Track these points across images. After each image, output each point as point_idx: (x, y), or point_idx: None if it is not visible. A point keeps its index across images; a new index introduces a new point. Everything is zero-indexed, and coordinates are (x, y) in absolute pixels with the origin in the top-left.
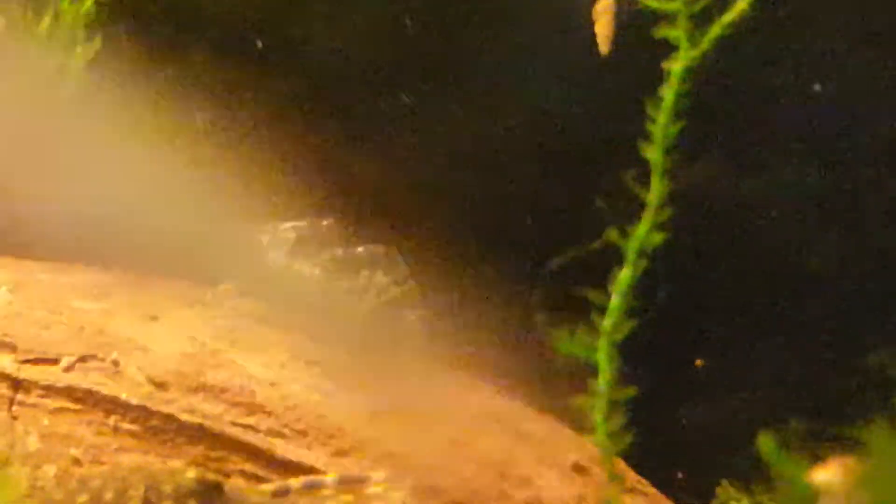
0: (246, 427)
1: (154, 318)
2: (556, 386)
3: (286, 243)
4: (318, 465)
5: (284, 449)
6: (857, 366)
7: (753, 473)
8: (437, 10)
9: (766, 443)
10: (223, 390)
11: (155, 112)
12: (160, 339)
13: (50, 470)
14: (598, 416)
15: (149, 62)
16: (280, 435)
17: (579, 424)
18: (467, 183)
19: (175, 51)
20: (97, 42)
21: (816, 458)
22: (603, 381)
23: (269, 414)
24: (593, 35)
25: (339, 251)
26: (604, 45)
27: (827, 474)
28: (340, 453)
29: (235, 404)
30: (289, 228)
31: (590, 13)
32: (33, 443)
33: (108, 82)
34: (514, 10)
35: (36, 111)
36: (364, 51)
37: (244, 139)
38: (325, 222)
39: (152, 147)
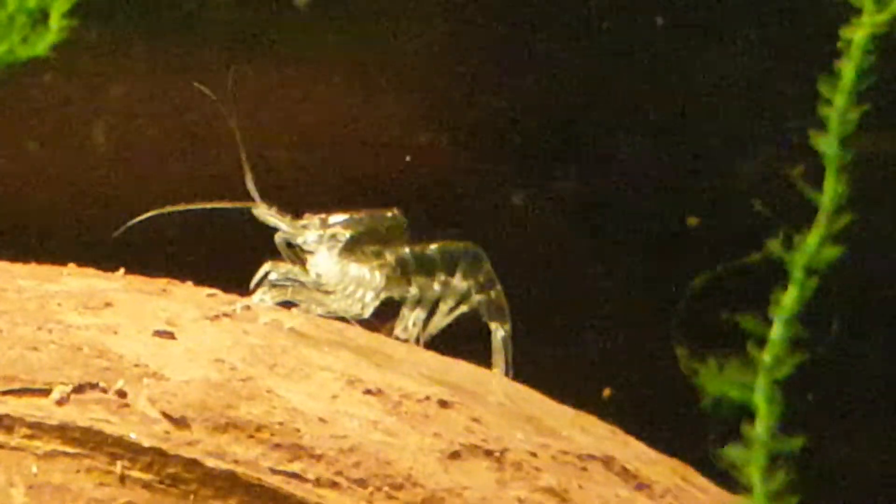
0: (289, 475)
1: (169, 336)
2: (696, 430)
3: (337, 240)
4: None
5: (338, 503)
6: None
7: None
8: None
9: None
10: (259, 428)
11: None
12: (177, 363)
13: None
14: (754, 473)
15: None
16: (333, 485)
17: (725, 478)
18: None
19: None
20: None
21: None
22: (761, 429)
23: (319, 458)
24: None
25: (407, 249)
26: None
27: None
28: None
29: (276, 446)
30: (341, 221)
31: None
32: (19, 496)
33: None
34: None
35: None
36: None
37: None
38: (388, 213)
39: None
